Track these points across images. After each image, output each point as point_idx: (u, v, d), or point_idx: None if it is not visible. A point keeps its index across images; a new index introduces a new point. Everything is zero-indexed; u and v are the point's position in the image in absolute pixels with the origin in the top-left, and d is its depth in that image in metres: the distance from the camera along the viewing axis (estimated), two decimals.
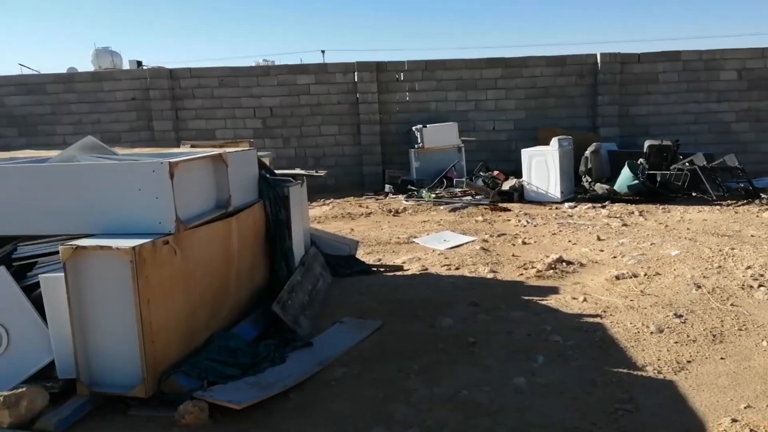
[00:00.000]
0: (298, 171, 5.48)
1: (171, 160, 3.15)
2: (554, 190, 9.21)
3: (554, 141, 9.29)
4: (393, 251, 6.33)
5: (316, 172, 5.48)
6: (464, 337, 3.78)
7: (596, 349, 3.56)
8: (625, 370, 3.28)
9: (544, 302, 4.45)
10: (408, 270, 5.52)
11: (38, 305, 3.00)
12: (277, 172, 5.41)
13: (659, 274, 5.04)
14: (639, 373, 3.25)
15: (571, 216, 8.13)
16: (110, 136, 11.81)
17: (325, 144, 11.93)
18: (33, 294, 3.05)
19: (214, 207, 3.72)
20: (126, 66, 16.39)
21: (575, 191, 9.65)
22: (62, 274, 2.84)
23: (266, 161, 5.07)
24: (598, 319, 4.04)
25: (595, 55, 11.63)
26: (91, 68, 17.61)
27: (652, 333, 3.77)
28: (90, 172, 3.16)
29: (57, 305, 2.90)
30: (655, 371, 3.26)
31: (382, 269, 5.57)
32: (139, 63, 16.85)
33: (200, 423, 2.79)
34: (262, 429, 2.79)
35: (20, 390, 2.73)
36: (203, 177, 3.62)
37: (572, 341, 3.66)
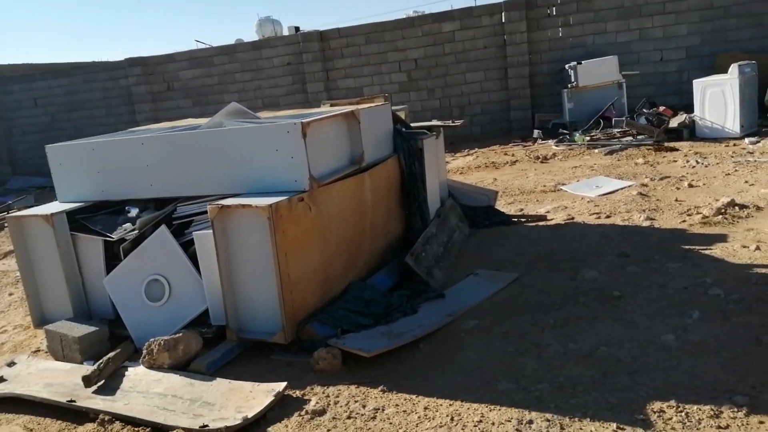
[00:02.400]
0: (434, 122, 5.40)
1: (303, 121, 3.27)
2: (732, 123, 8.09)
3: (734, 67, 8.10)
4: (537, 200, 6.05)
5: (452, 122, 5.36)
6: (609, 290, 3.51)
7: (765, 303, 3.11)
8: None
9: (707, 252, 3.97)
10: (552, 220, 5.24)
11: (195, 259, 3.34)
12: (413, 124, 5.39)
13: None
14: None
15: (751, 153, 7.10)
16: (270, 101, 12.67)
17: (471, 92, 11.63)
18: (190, 249, 3.39)
19: (348, 163, 3.82)
20: (285, 32, 17.25)
21: (759, 124, 8.39)
22: (211, 231, 3.12)
23: (402, 115, 5.07)
24: None
25: None
26: (255, 38, 18.85)
27: None
28: (232, 136, 3.39)
29: (209, 259, 3.20)
30: None
31: (523, 219, 5.36)
32: (297, 28, 17.65)
33: (334, 369, 2.94)
34: (392, 376, 2.87)
35: (178, 335, 3.09)
36: (337, 135, 3.72)
37: (736, 295, 3.22)
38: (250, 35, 13.27)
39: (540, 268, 4.09)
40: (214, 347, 3.21)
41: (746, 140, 7.79)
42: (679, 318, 3.06)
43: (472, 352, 3.00)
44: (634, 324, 3.06)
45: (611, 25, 10.78)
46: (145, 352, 3.12)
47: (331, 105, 4.95)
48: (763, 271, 3.51)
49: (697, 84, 8.45)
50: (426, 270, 4.03)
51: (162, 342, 3.07)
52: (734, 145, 7.71)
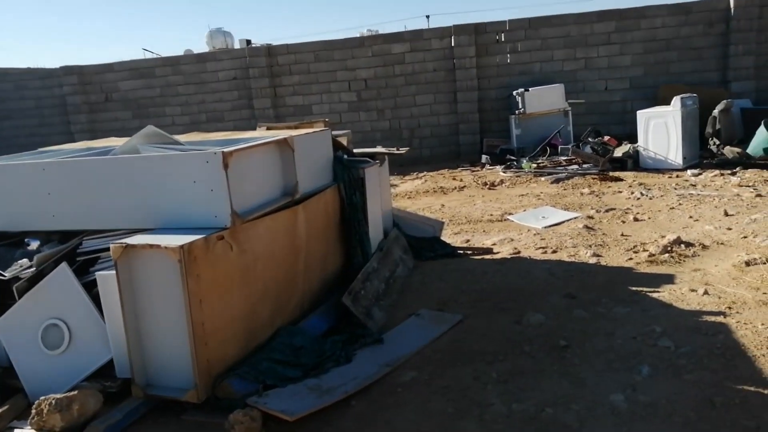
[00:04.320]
0: (378, 149, 5.15)
1: (225, 150, 2.95)
2: (675, 155, 8.20)
3: (676, 99, 8.23)
4: (484, 230, 5.87)
5: (397, 149, 5.12)
6: (555, 338, 3.30)
7: (717, 358, 2.96)
8: (752, 388, 2.67)
9: (655, 295, 3.83)
10: (498, 253, 5.05)
11: (100, 302, 2.95)
12: (357, 150, 5.13)
13: None
14: None
15: (694, 185, 7.17)
16: (214, 116, 12.21)
17: (420, 114, 11.51)
18: (94, 290, 2.99)
19: (279, 195, 3.50)
20: (237, 45, 16.82)
21: (700, 156, 8.55)
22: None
23: (344, 140, 4.79)
24: (720, 318, 3.39)
25: (726, 0, 10.14)
26: (206, 49, 18.28)
27: None
28: (144, 165, 3.03)
29: (113, 303, 2.81)
30: None
31: (469, 252, 5.15)
32: (249, 41, 17.24)
33: None
34: None
35: (72, 393, 2.68)
36: (267, 164, 3.40)
37: (686, 347, 3.07)
38: (201, 46, 12.79)
39: (484, 308, 3.87)
40: (118, 405, 2.81)
41: (688, 172, 7.89)
42: (628, 374, 2.86)
43: (408, 412, 2.72)
44: (582, 380, 2.84)
45: (558, 53, 10.89)
46: (33, 412, 2.69)
47: (268, 128, 4.64)
48: (712, 319, 3.38)
49: (641, 115, 8.54)
50: (364, 310, 3.74)
51: (54, 401, 2.66)
52: (677, 176, 7.79)
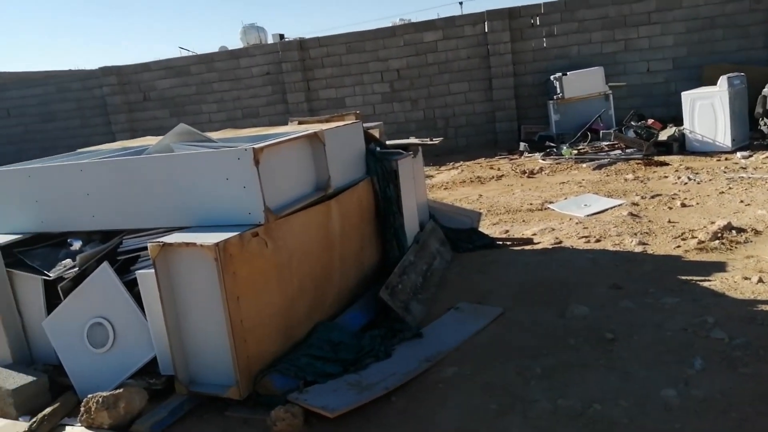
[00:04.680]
0: (411, 140, 5.08)
1: (255, 146, 2.93)
2: (723, 137, 7.86)
3: (723, 79, 7.87)
4: (523, 220, 5.74)
5: (431, 140, 5.03)
6: (600, 331, 3.19)
7: None
8: None
9: (706, 284, 3.67)
10: (539, 243, 4.93)
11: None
12: (390, 142, 5.07)
13: None
14: None
15: (744, 168, 6.85)
16: (249, 111, 12.31)
17: (455, 103, 11.35)
18: (136, 289, 3.03)
19: (312, 190, 3.47)
20: (270, 40, 16.91)
21: (750, 137, 8.17)
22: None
23: (376, 132, 4.73)
24: None
25: None
26: (240, 45, 18.46)
27: None
28: (177, 163, 3.04)
29: (154, 302, 2.84)
30: None
31: (508, 243, 5.04)
32: (282, 36, 17.32)
33: (294, 430, 2.58)
34: None
35: (118, 391, 2.72)
36: (298, 159, 3.38)
37: (741, 338, 2.91)
38: (235, 43, 12.91)
39: (526, 300, 3.77)
40: (163, 402, 2.84)
41: (738, 154, 7.56)
42: (680, 367, 2.74)
43: (451, 409, 2.66)
44: (630, 375, 2.73)
45: (596, 35, 10.56)
46: (82, 410, 2.74)
47: (299, 123, 4.61)
48: None
49: (686, 96, 8.22)
50: (402, 305, 3.69)
51: (101, 399, 2.70)
52: (726, 159, 7.47)
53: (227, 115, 12.37)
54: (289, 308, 3.10)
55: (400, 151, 4.57)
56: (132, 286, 3.06)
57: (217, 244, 2.63)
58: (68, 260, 3.24)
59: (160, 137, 3.92)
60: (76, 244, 3.38)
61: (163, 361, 2.91)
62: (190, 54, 14.31)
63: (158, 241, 2.74)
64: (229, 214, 2.96)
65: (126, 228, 3.24)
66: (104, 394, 2.69)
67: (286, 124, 5.76)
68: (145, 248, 3.09)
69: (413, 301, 3.82)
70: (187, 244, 2.70)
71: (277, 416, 2.59)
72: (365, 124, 4.96)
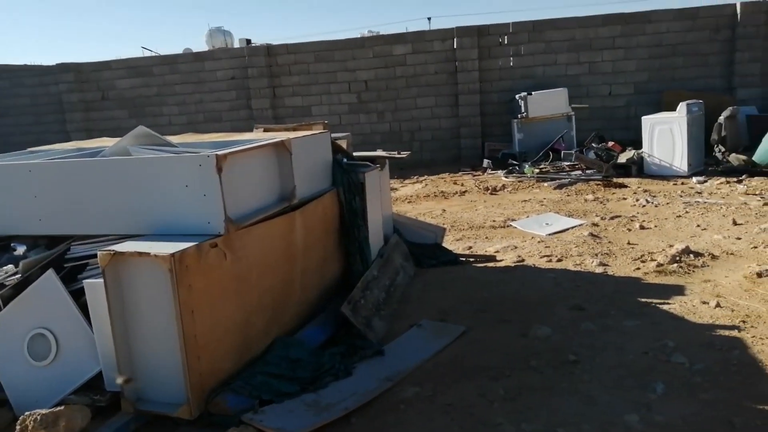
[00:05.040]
0: (378, 153, 5.02)
1: (219, 153, 2.81)
2: (680, 162, 8.08)
3: (682, 106, 8.11)
4: (486, 237, 5.74)
5: (398, 153, 4.99)
6: (563, 352, 3.17)
7: (733, 375, 2.83)
8: None
9: (665, 307, 3.70)
10: (501, 261, 4.92)
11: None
12: (356, 153, 5.00)
13: None
14: None
15: (700, 193, 7.05)
16: (212, 116, 12.06)
17: (421, 117, 11.38)
18: (82, 298, 2.85)
19: (276, 200, 3.36)
20: (237, 45, 16.71)
21: (705, 163, 8.43)
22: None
23: (343, 144, 4.66)
24: (735, 333, 3.26)
25: (734, 5, 10.07)
26: (205, 49, 18.13)
27: None
28: (134, 167, 2.89)
29: (102, 313, 2.67)
30: None
31: (471, 259, 5.02)
32: (249, 41, 17.12)
33: None
34: None
35: (58, 409, 2.54)
36: (263, 168, 3.27)
37: (701, 364, 2.93)
38: (201, 46, 12.64)
39: (489, 319, 3.73)
40: (107, 420, 2.67)
41: (694, 179, 7.77)
42: (642, 392, 2.73)
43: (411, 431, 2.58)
44: (593, 399, 2.71)
45: (561, 57, 10.77)
46: (18, 428, 2.54)
47: (265, 130, 4.50)
48: (726, 333, 3.25)
49: (646, 121, 8.43)
50: (365, 321, 3.60)
51: (39, 417, 2.51)
52: (682, 183, 7.67)
53: (188, 119, 12.09)
54: (247, 323, 2.97)
55: (367, 163, 4.51)
56: (79, 296, 2.88)
57: (172, 255, 2.49)
58: (10, 266, 3.04)
59: (118, 139, 3.76)
60: (20, 249, 3.19)
61: (108, 377, 2.73)
62: (153, 54, 13.97)
63: (109, 250, 2.58)
64: (187, 223, 2.83)
65: (75, 234, 3.06)
66: (43, 411, 2.51)
67: (251, 130, 5.64)
68: (95, 256, 2.92)
69: (375, 317, 3.73)
70: (140, 253, 2.56)
71: None
72: (333, 135, 4.89)
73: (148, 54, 15.04)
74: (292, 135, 3.74)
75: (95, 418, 2.68)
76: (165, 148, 3.26)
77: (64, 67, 12.35)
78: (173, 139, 4.33)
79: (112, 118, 12.37)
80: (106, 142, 4.43)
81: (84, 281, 2.76)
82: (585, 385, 2.83)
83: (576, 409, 2.64)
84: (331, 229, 3.96)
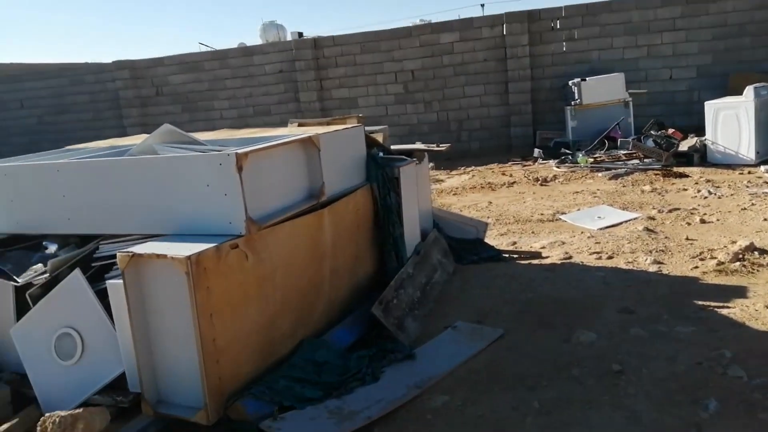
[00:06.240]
0: (417, 146, 4.85)
1: (239, 151, 2.72)
2: (747, 149, 7.52)
3: (749, 89, 7.54)
4: (533, 232, 5.48)
5: (437, 146, 4.80)
6: (608, 361, 2.93)
7: None
8: None
9: (724, 311, 3.39)
10: (547, 258, 4.67)
11: None
12: (394, 147, 4.84)
13: None
14: None
15: None
16: (261, 109, 12.17)
17: (469, 106, 11.10)
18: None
19: (304, 197, 3.26)
20: (289, 38, 16.81)
21: None
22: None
23: (379, 137, 4.52)
24: None
25: None
26: (259, 43, 18.33)
27: None
28: (155, 166, 2.84)
29: (124, 314, 2.64)
30: None
31: (515, 256, 4.79)
32: (300, 34, 17.16)
33: None
34: None
35: (77, 411, 2.53)
36: (290, 165, 3.16)
37: (761, 378, 2.64)
38: (255, 40, 12.75)
39: (529, 321, 3.52)
40: (128, 422, 2.65)
41: (762, 168, 7.22)
42: (693, 408, 2.48)
43: None
44: (637, 415, 2.48)
45: (618, 40, 10.24)
46: (38, 430, 2.56)
47: (299, 125, 4.40)
48: None
49: (709, 106, 7.88)
50: (396, 321, 3.46)
51: (57, 419, 2.51)
52: (749, 173, 7.13)
53: (239, 113, 12.24)
54: (271, 325, 2.88)
55: (404, 157, 4.35)
56: (106, 296, 2.87)
57: (188, 257, 2.42)
58: (39, 265, 3.06)
59: (141, 135, 3.75)
60: (52, 248, 3.21)
61: (131, 378, 2.70)
62: (210, 50, 14.19)
63: (128, 251, 2.54)
64: (209, 223, 2.76)
65: (103, 233, 3.05)
66: (62, 413, 2.50)
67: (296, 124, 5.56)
68: None
69: (408, 318, 3.59)
70: (158, 255, 2.50)
71: None
72: (370, 128, 4.75)
73: (204, 50, 15.32)
74: (321, 130, 3.63)
75: (118, 418, 2.66)
76: (190, 146, 3.20)
77: (120, 65, 12.72)
78: (210, 135, 4.32)
79: (167, 113, 12.65)
80: (139, 140, 4.45)
81: (107, 281, 2.74)
82: (629, 399, 2.60)
83: (617, 426, 2.42)
84: (364, 225, 3.83)
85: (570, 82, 9.82)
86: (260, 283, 2.80)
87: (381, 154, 4.26)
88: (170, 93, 12.64)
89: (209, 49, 14.03)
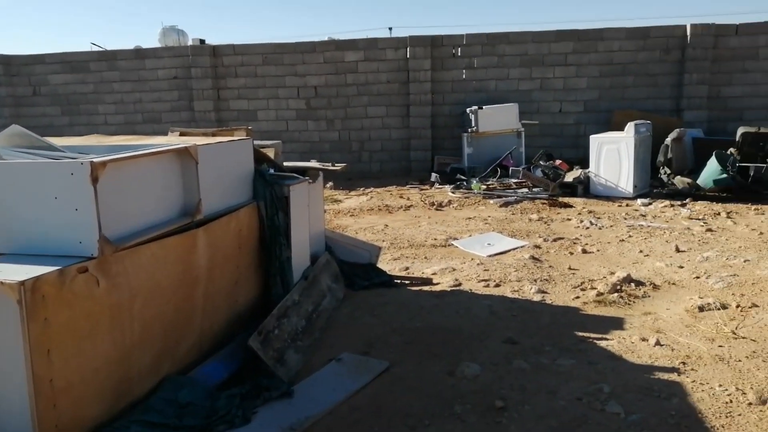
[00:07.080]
0: (311, 164, 4.66)
1: (95, 159, 2.39)
2: (626, 183, 8.00)
3: (630, 126, 8.05)
4: (425, 257, 5.43)
5: (332, 165, 4.63)
6: (491, 396, 2.86)
7: (671, 429, 2.57)
8: None
9: (603, 343, 3.45)
10: (438, 284, 4.62)
11: None
12: (287, 164, 4.62)
13: (756, 306, 3.93)
14: None
15: (644, 216, 6.94)
16: (151, 116, 11.46)
17: (371, 126, 11.09)
18: None
19: (177, 215, 2.96)
20: (190, 44, 16.09)
21: (651, 185, 8.39)
22: None
23: (270, 152, 4.27)
24: (674, 376, 3.02)
25: (684, 27, 10.15)
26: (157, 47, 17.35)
27: (750, 404, 2.73)
28: None
29: None
30: None
31: (407, 282, 4.70)
32: (202, 41, 16.47)
33: None
34: None
35: None
36: (160, 178, 2.86)
37: (637, 414, 2.67)
38: (153, 45, 11.96)
39: (416, 352, 3.40)
40: None
41: (638, 201, 7.69)
42: None
43: None
44: None
45: (514, 71, 10.66)
46: None
47: (181, 134, 4.08)
48: (666, 377, 3.01)
49: (594, 140, 8.33)
50: (276, 354, 3.21)
51: None
52: (627, 205, 7.58)
53: (126, 119, 11.46)
54: (127, 360, 2.55)
55: (296, 175, 4.13)
56: None
57: (22, 283, 2.06)
58: None
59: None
60: None
61: None
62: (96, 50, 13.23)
63: None
64: (55, 243, 2.39)
65: None
66: None
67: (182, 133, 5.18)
68: None
69: (290, 350, 3.35)
70: None
71: None
72: (261, 142, 4.50)
73: (96, 50, 14.28)
74: (201, 141, 3.34)
75: None
76: (42, 151, 2.80)
77: None
78: (76, 141, 3.89)
79: (44, 115, 11.62)
80: None
81: None
82: None
83: None
84: (247, 247, 3.56)
85: (468, 110, 10.07)
86: (113, 313, 2.46)
87: (271, 170, 4.02)
88: (49, 93, 11.61)
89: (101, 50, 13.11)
